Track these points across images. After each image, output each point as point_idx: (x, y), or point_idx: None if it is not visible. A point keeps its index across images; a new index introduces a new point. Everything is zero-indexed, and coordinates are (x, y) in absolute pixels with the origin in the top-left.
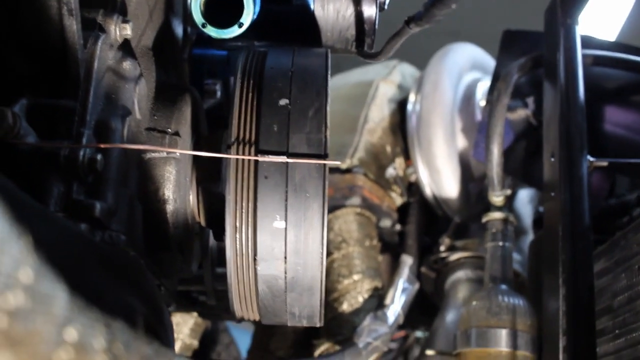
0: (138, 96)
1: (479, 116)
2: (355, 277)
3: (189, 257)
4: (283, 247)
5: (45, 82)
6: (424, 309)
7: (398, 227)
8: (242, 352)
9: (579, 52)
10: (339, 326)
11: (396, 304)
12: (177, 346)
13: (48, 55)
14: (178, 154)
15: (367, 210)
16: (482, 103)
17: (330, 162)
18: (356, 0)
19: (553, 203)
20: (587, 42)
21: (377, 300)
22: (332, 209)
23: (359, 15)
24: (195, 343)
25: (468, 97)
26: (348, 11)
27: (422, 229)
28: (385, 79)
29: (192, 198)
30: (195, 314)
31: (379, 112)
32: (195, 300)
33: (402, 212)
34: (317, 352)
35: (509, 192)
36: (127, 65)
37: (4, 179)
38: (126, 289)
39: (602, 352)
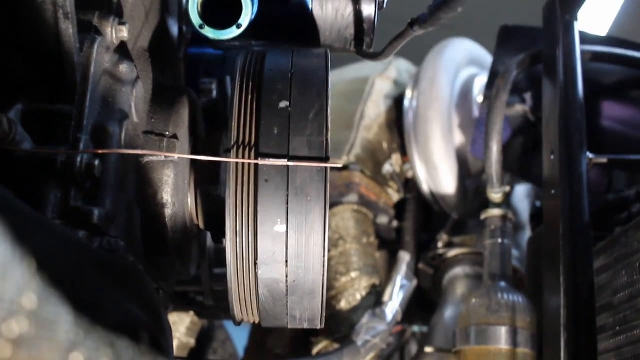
0: (135, 99)
1: (476, 112)
2: (353, 274)
3: (188, 261)
4: (284, 251)
5: (41, 87)
6: (421, 304)
7: (395, 223)
8: (239, 349)
9: (578, 48)
10: (337, 324)
11: (394, 301)
12: (174, 345)
13: (44, 60)
14: (176, 157)
15: (364, 207)
16: (480, 99)
17: (331, 165)
18: None
19: (553, 201)
20: (584, 38)
21: (375, 298)
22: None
23: (357, 14)
24: (192, 342)
25: (465, 93)
26: (347, 10)
27: (419, 226)
28: (382, 75)
29: (190, 201)
30: (192, 312)
31: (375, 109)
32: (193, 301)
33: (399, 209)
34: (315, 350)
35: (507, 189)
36: (124, 68)
37: (1, 189)
38: (126, 296)
39: (602, 348)
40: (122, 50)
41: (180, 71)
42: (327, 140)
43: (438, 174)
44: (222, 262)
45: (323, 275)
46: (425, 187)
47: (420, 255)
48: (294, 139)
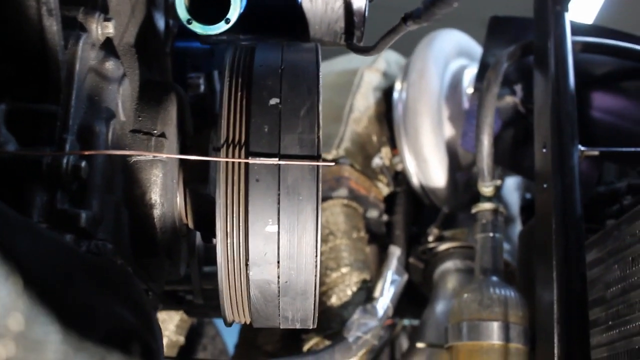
0: (122, 97)
1: (466, 104)
2: (344, 270)
3: (177, 261)
4: (276, 252)
5: (25, 86)
6: (412, 297)
7: (385, 217)
8: (228, 344)
9: (569, 40)
10: (328, 320)
11: (385, 297)
12: (164, 344)
13: (27, 58)
14: (165, 157)
15: (354, 202)
16: (469, 90)
17: (323, 164)
18: None
19: (545, 194)
20: (574, 28)
21: (366, 293)
22: None
23: (348, 7)
24: (181, 339)
25: (455, 84)
26: (337, 3)
27: (409, 219)
28: (370, 67)
29: (179, 200)
30: (181, 310)
31: (364, 101)
32: (182, 300)
33: (389, 202)
34: (306, 347)
35: (499, 182)
36: (110, 65)
37: None
38: (115, 300)
39: (595, 343)
40: (108, 47)
41: (167, 66)
42: (318, 137)
43: (428, 167)
44: (211, 260)
45: (315, 276)
46: (415, 180)
47: (411, 249)
48: (285, 137)
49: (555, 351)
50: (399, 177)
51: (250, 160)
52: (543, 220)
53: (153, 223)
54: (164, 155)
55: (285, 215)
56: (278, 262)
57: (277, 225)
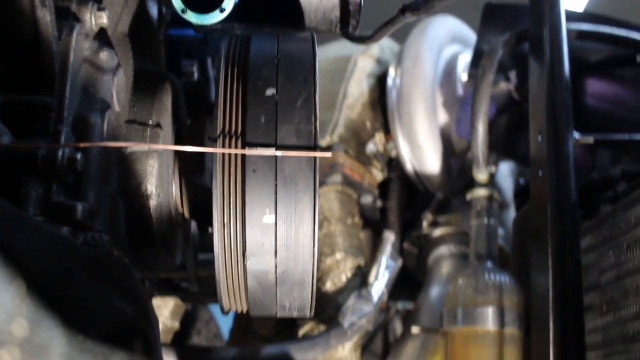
0: (116, 87)
1: (460, 90)
2: (338, 255)
3: (173, 251)
4: (273, 242)
5: (18, 78)
6: (405, 281)
7: (379, 203)
8: (222, 328)
9: (564, 28)
10: (322, 306)
11: (380, 282)
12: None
13: (21, 49)
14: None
15: (348, 188)
16: (463, 77)
17: (320, 154)
18: None
19: (540, 182)
20: (568, 16)
21: (361, 279)
22: None
23: None
24: (176, 325)
25: (449, 71)
26: None
27: (403, 205)
28: (364, 53)
29: (174, 190)
30: None
31: (358, 87)
32: (177, 287)
33: (383, 188)
34: (301, 332)
35: (493, 169)
36: (104, 55)
37: None
38: (114, 293)
39: (589, 327)
40: (102, 37)
41: (161, 54)
42: (315, 128)
43: (422, 153)
44: (206, 247)
45: (313, 265)
46: (409, 166)
47: (405, 234)
48: (282, 127)
49: (551, 336)
50: (393, 163)
51: (247, 151)
52: (538, 207)
53: (149, 214)
54: (161, 147)
55: (283, 205)
56: (275, 252)
57: (274, 216)
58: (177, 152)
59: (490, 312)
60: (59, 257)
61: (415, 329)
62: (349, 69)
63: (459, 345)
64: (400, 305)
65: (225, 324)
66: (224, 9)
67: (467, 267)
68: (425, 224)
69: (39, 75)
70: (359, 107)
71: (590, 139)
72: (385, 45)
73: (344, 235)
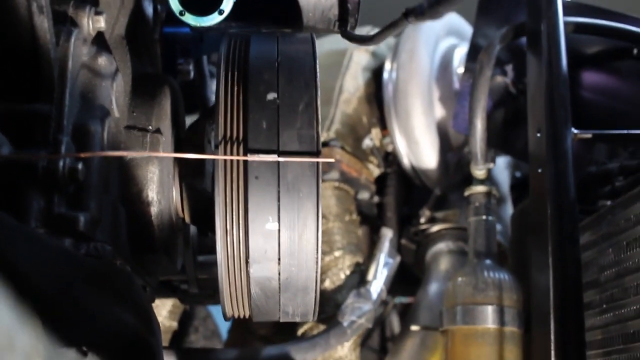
0: (115, 93)
1: (456, 84)
2: (336, 253)
3: (174, 256)
4: (276, 249)
5: (17, 86)
6: (403, 276)
7: (376, 199)
8: (220, 326)
9: (562, 22)
10: (321, 304)
11: (379, 280)
12: None
13: (18, 57)
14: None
15: (345, 184)
16: (460, 70)
17: (323, 160)
18: None
19: (540, 179)
20: (564, 8)
21: (359, 276)
22: None
23: None
24: (174, 325)
25: (445, 64)
26: None
27: (400, 200)
28: (359, 47)
29: (175, 195)
30: None
31: (353, 82)
32: (176, 289)
33: (380, 184)
34: (300, 331)
35: (491, 165)
36: (103, 60)
37: None
38: (117, 303)
39: (589, 325)
40: (100, 41)
41: (157, 53)
42: (317, 133)
43: (419, 148)
44: (205, 249)
45: (316, 272)
46: (406, 161)
47: (403, 230)
48: (284, 133)
49: (552, 334)
50: (390, 158)
51: (249, 158)
52: (538, 205)
53: (150, 220)
54: (162, 155)
55: (286, 212)
56: (279, 259)
57: (277, 223)
58: (177, 157)
59: (490, 311)
60: (63, 271)
61: (414, 327)
62: (345, 63)
63: (458, 344)
64: (398, 300)
65: (222, 322)
66: (223, 11)
67: (466, 266)
68: (422, 219)
69: (37, 83)
70: (355, 102)
71: (588, 134)
72: None
73: (342, 232)
